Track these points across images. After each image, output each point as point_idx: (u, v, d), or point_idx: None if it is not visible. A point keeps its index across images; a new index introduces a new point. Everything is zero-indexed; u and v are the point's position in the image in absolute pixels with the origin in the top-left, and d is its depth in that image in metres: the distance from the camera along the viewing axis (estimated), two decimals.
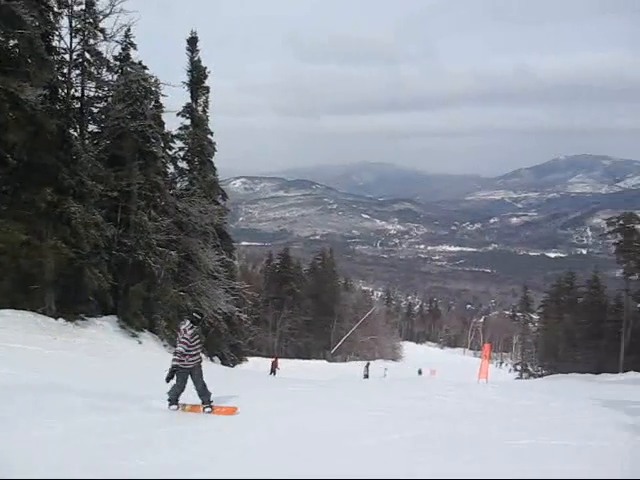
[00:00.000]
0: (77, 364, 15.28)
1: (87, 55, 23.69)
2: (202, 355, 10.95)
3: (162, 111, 27.66)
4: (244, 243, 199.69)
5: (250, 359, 41.47)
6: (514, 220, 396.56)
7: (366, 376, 41.99)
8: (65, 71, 22.69)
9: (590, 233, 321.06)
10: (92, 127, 25.12)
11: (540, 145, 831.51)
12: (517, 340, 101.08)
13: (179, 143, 32.05)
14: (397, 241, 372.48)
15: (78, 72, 23.52)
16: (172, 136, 30.78)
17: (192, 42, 32.04)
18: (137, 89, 24.04)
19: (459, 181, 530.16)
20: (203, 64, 32.23)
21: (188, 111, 32.24)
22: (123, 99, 23.74)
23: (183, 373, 10.53)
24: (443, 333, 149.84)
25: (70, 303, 19.87)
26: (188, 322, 10.68)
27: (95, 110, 25.07)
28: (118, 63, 25.50)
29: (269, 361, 38.97)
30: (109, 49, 24.68)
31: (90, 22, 22.81)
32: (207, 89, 32.84)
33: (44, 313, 18.74)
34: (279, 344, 65.17)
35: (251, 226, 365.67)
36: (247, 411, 10.23)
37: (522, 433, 9.38)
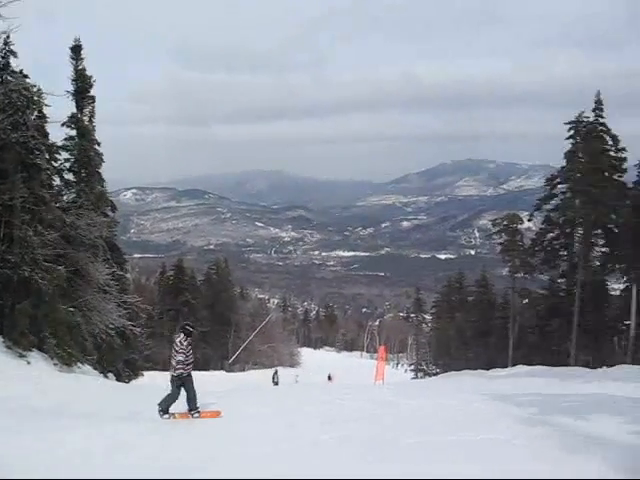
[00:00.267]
0: None
1: None
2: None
3: (46, 121, 26.58)
4: (137, 255, 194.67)
5: (147, 374, 40.47)
6: (405, 224, 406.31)
7: (276, 383, 42.22)
8: None
9: (477, 234, 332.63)
10: None
11: (428, 150, 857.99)
12: (412, 341, 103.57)
13: (65, 154, 30.78)
14: (291, 248, 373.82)
15: None
16: (57, 147, 29.60)
17: (76, 50, 30.80)
18: (18, 99, 23.01)
19: (351, 187, 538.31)
20: (88, 72, 31.18)
21: (73, 121, 31.08)
22: (3, 109, 22.68)
23: (180, 381, 11.78)
24: (340, 337, 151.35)
25: None
26: (182, 335, 12.07)
27: None
28: None
29: (165, 375, 38.16)
30: None
31: None
32: (93, 98, 31.75)
33: None
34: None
35: (143, 238, 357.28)
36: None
37: (416, 432, 9.61)
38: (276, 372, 47.13)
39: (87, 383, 20.93)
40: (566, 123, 43.83)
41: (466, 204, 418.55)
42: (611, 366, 31.05)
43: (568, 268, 46.04)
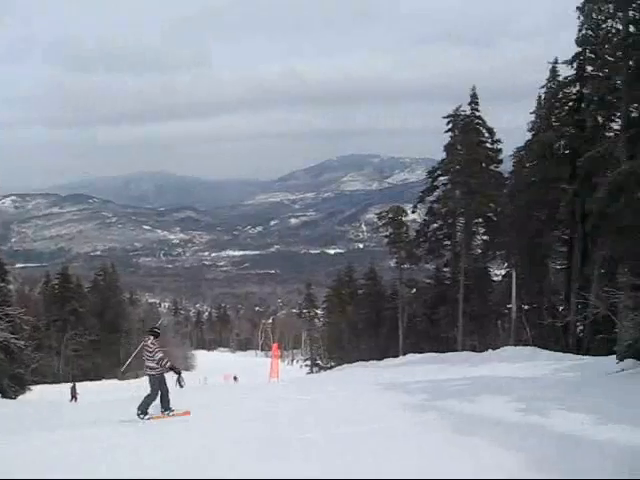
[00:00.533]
0: None
1: None
2: None
3: None
4: (19, 265, 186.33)
5: (35, 388, 38.85)
6: (294, 221, 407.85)
7: (182, 386, 41.69)
8: None
9: (365, 228, 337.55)
10: None
11: (313, 147, 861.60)
12: (305, 336, 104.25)
13: None
14: (181, 250, 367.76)
15: None
16: None
17: None
18: None
19: (238, 186, 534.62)
20: None
21: None
22: None
23: (160, 380, 12.47)
24: (234, 337, 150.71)
25: None
26: (152, 337, 12.74)
27: None
28: None
29: (56, 388, 36.84)
30: None
31: None
32: None
33: None
34: (65, 368, 61.73)
35: (25, 247, 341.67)
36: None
37: (311, 427, 9.68)
38: (179, 376, 46.47)
39: None
40: (445, 117, 45.39)
41: (353, 199, 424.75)
42: (496, 349, 32.43)
43: (452, 257, 47.68)
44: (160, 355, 12.52)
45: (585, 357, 24.00)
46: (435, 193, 47.49)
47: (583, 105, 31.68)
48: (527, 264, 39.15)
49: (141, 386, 49.23)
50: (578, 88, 32.77)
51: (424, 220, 49.59)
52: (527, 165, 39.32)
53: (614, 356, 15.76)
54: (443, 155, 45.99)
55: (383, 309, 56.39)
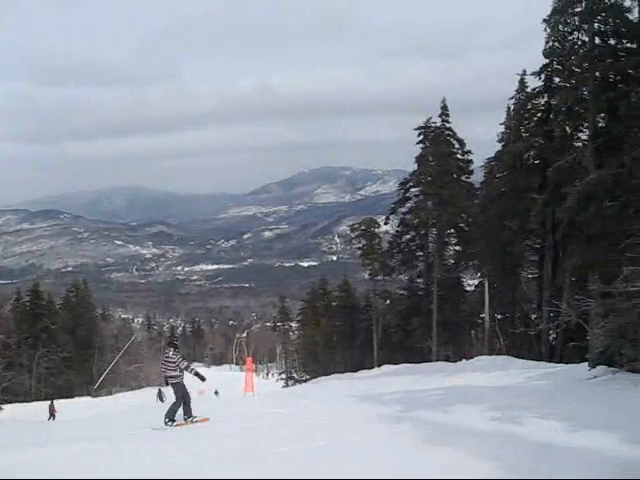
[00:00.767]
0: None
1: None
2: None
3: None
4: None
5: (6, 407, 38.17)
6: (267, 234, 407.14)
7: (162, 400, 42.10)
8: None
9: (338, 240, 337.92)
10: None
11: (286, 160, 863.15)
12: (280, 349, 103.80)
13: None
14: (153, 265, 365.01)
15: None
16: None
17: None
18: None
19: (210, 199, 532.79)
20: None
21: None
22: None
23: (183, 386, 13.49)
24: (208, 352, 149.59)
25: None
26: (172, 349, 13.83)
27: None
28: None
29: (29, 407, 36.32)
30: None
31: None
32: None
33: None
34: (37, 386, 60.84)
35: None
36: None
37: (286, 441, 9.62)
38: (160, 390, 47.10)
39: None
40: (416, 129, 45.64)
41: (325, 211, 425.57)
42: (470, 358, 32.58)
43: (425, 268, 47.86)
44: (186, 364, 13.77)
45: (558, 365, 24.20)
46: (407, 204, 47.68)
47: (551, 116, 32.08)
48: (499, 274, 39.48)
49: (117, 402, 48.86)
50: (546, 99, 33.23)
51: (397, 231, 49.73)
52: (498, 176, 39.75)
53: (586, 363, 15.89)
54: (415, 167, 46.21)
55: (357, 321, 56.35)
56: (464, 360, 32.75)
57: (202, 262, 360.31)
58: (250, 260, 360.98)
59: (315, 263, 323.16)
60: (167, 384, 13.93)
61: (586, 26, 23.60)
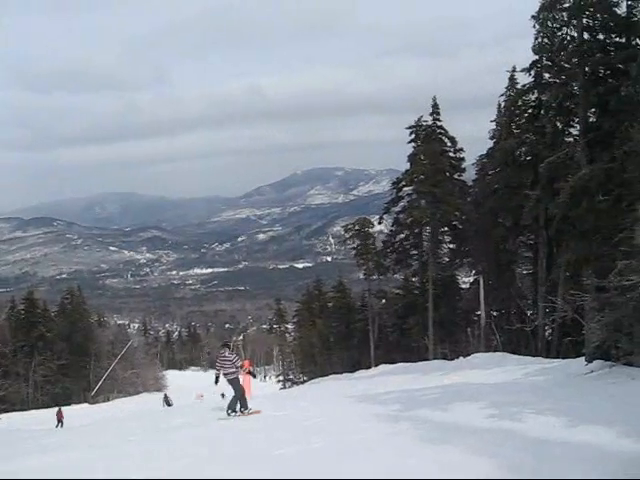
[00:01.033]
0: None
1: None
2: None
3: None
4: None
5: (4, 416, 37.97)
6: (261, 236, 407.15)
7: (169, 405, 44.54)
8: None
9: (332, 241, 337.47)
10: None
11: (278, 162, 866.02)
12: (277, 352, 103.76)
13: None
14: (148, 270, 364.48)
15: None
16: None
17: None
18: None
19: (203, 203, 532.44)
20: None
21: None
22: None
23: (238, 381, 15.09)
24: (205, 356, 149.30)
25: None
26: (227, 349, 15.60)
27: None
28: None
29: (27, 415, 36.16)
30: None
31: None
32: None
33: None
34: (34, 394, 60.65)
35: None
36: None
37: (285, 442, 9.58)
38: (165, 395, 50.04)
39: None
40: (407, 128, 45.68)
41: (319, 212, 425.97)
42: (467, 356, 32.56)
43: (419, 266, 47.90)
44: (241, 362, 15.69)
45: (554, 360, 24.21)
46: (400, 203, 47.71)
47: (542, 112, 32.14)
48: (494, 270, 39.52)
49: (118, 408, 48.85)
50: (536, 95, 33.27)
51: (390, 231, 49.76)
52: (490, 173, 39.80)
53: (583, 358, 15.89)
54: (407, 166, 46.22)
55: (353, 321, 56.34)
56: (461, 358, 32.75)
57: (197, 266, 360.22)
58: (245, 263, 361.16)
59: (310, 264, 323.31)
60: (217, 382, 15.58)
61: (575, 21, 23.69)
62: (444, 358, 37.66)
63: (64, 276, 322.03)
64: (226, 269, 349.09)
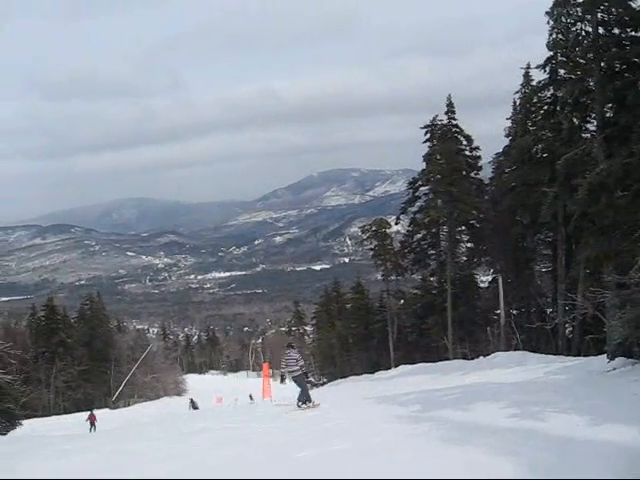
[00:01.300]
0: None
1: None
2: None
3: None
4: (4, 299, 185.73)
5: (26, 422, 38.12)
6: (278, 239, 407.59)
7: (196, 408, 45.70)
8: None
9: (349, 242, 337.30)
10: None
11: (293, 164, 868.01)
12: None
13: None
14: (166, 274, 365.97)
15: None
16: None
17: None
18: None
19: (220, 207, 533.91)
20: None
21: None
22: None
23: (302, 377, 16.93)
24: (224, 359, 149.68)
25: None
26: (292, 350, 17.27)
27: None
28: None
29: (47, 422, 36.31)
30: None
31: None
32: None
33: None
34: (56, 400, 61.11)
35: (9, 280, 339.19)
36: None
37: (305, 445, 9.56)
38: (191, 400, 51.01)
39: None
40: (422, 127, 45.57)
41: (335, 214, 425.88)
42: (487, 355, 32.44)
43: (437, 266, 47.76)
44: (303, 361, 17.26)
45: (575, 358, 24.07)
46: (417, 203, 47.58)
47: (558, 108, 31.92)
48: (513, 269, 39.32)
49: (140, 413, 49.10)
50: (552, 92, 33.04)
51: (408, 231, 49.64)
52: (506, 171, 39.59)
53: (604, 355, 15.78)
54: (423, 165, 46.08)
55: (372, 322, 56.27)
56: (481, 357, 32.66)
57: (214, 270, 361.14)
58: (262, 266, 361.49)
59: (327, 266, 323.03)
60: (282, 381, 18.54)
61: (589, 16, 23.42)
62: (464, 358, 37.54)
63: (83, 282, 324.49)
64: (244, 272, 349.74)
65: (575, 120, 30.61)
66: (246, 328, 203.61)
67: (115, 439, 15.20)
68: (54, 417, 51.85)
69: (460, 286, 44.65)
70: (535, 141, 34.15)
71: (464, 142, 45.36)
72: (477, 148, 45.55)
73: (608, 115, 24.45)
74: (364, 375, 44.72)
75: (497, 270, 41.93)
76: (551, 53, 30.32)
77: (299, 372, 16.82)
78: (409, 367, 37.54)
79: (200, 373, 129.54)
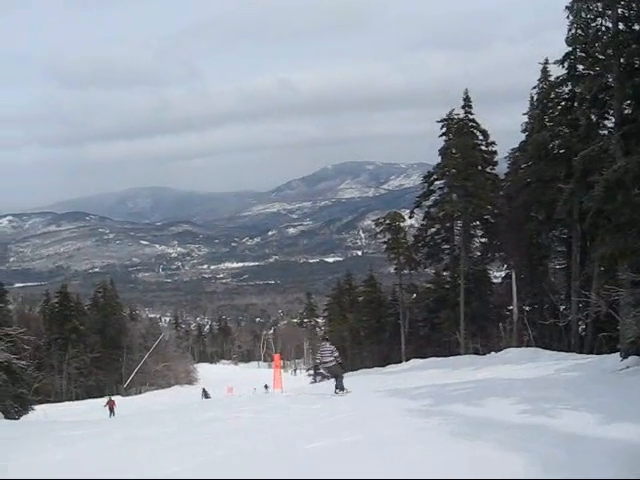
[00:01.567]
0: None
1: None
2: None
3: None
4: (18, 285, 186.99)
5: (38, 407, 38.50)
6: (291, 230, 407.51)
7: (208, 397, 48.16)
8: None
9: (363, 235, 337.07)
10: None
11: (308, 156, 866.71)
12: (307, 346, 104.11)
13: None
14: (179, 264, 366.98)
15: None
16: None
17: None
18: None
19: (234, 198, 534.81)
20: None
21: None
22: None
23: (337, 368, 18.19)
24: (236, 349, 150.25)
25: None
26: (327, 342, 18.88)
27: None
28: None
29: (61, 407, 36.70)
30: None
31: None
32: None
33: None
34: (68, 386, 61.65)
35: (24, 266, 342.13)
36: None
37: (314, 437, 9.57)
38: (204, 389, 53.32)
39: None
40: (438, 121, 45.41)
41: (349, 206, 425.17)
42: (498, 351, 32.37)
43: (451, 260, 47.66)
44: (337, 353, 18.29)
45: (588, 356, 23.96)
46: (432, 197, 47.49)
47: (576, 104, 31.70)
48: (526, 265, 39.19)
49: (153, 401, 49.54)
50: (570, 87, 32.81)
51: (422, 225, 49.59)
52: (522, 166, 39.39)
53: (617, 354, 15.71)
54: (438, 159, 45.97)
55: (384, 315, 56.32)
56: (493, 352, 32.60)
57: (227, 260, 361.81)
58: (275, 257, 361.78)
59: (340, 258, 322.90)
60: (316, 372, 17.92)
61: (610, 12, 23.18)
62: (476, 353, 37.49)
63: (97, 270, 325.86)
64: (257, 263, 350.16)
65: (593, 116, 30.40)
66: (258, 319, 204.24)
67: (131, 425, 15.32)
68: (66, 403, 52.34)
69: (473, 281, 44.57)
70: (552, 137, 33.94)
71: (480, 137, 45.18)
72: (493, 143, 45.39)
73: (626, 112, 24.22)
74: (375, 368, 44.75)
75: (511, 266, 41.80)
76: (570, 48, 30.02)
77: (334, 363, 18.05)
78: (420, 361, 37.52)
79: (211, 363, 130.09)
